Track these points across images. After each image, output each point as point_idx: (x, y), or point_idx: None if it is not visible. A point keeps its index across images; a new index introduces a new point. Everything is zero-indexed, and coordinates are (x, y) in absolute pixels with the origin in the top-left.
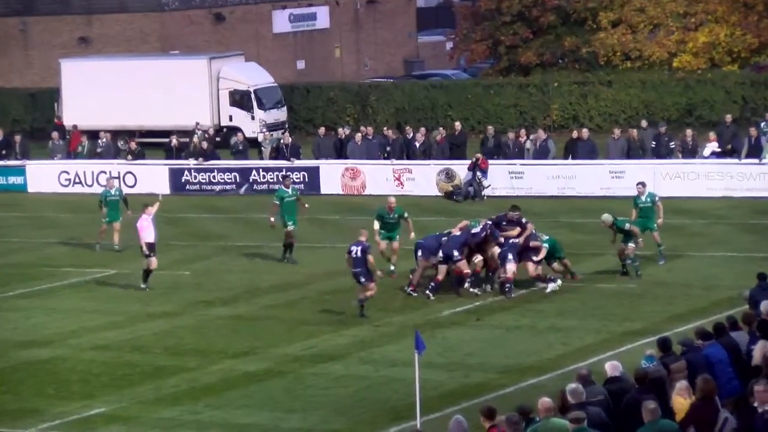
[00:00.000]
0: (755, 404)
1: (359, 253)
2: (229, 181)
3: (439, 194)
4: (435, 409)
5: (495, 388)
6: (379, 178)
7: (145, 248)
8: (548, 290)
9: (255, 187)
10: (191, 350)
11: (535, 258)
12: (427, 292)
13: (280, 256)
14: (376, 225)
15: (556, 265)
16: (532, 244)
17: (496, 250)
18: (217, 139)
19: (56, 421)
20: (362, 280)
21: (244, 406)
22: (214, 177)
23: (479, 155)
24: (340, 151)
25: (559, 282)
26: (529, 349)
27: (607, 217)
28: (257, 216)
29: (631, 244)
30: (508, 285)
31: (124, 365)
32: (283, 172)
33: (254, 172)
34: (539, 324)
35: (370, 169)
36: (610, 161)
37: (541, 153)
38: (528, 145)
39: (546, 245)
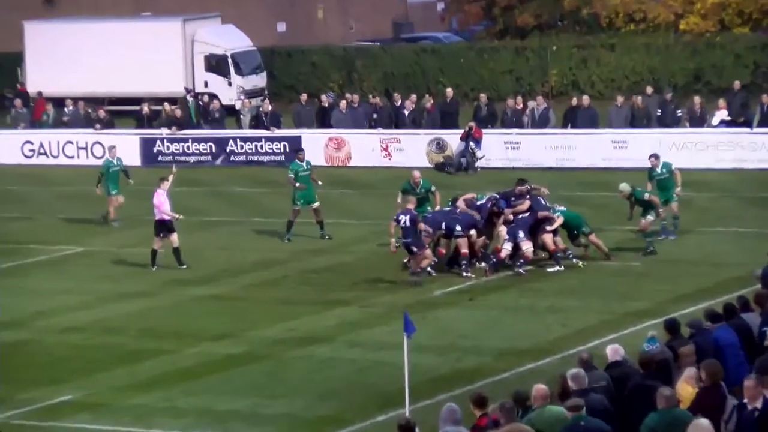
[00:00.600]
0: (744, 400)
1: (408, 222)
2: (205, 151)
3: (430, 166)
4: (426, 396)
5: (490, 373)
6: (365, 148)
7: (170, 218)
8: (549, 269)
9: (232, 158)
10: (166, 332)
11: (548, 227)
12: (464, 267)
13: (285, 234)
14: (399, 199)
15: (582, 240)
16: (541, 214)
17: (503, 229)
18: (200, 102)
19: (21, 409)
20: (415, 249)
21: (223, 392)
22: (188, 147)
23: (472, 124)
24: (323, 119)
25: (579, 264)
26: (526, 331)
27: (625, 186)
28: (235, 189)
29: (649, 217)
30: (521, 261)
31: (95, 349)
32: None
33: (231, 142)
34: (537, 304)
35: (356, 139)
36: (612, 131)
37: (540, 122)
38: (526, 113)
39: (560, 215)
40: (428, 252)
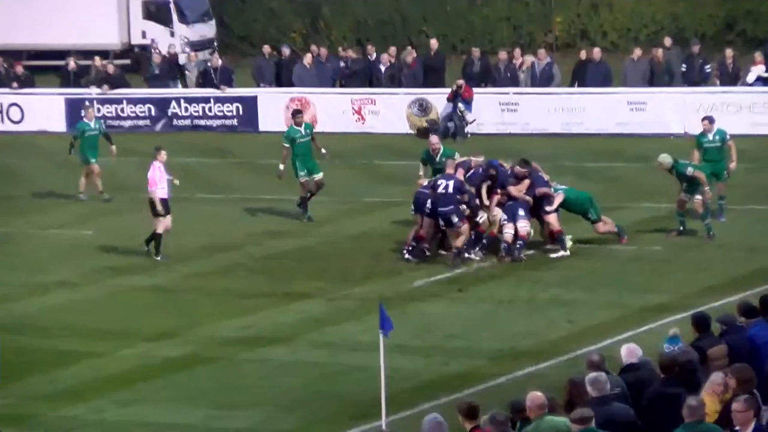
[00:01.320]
0: (736, 428)
1: (450, 189)
2: (143, 114)
3: (411, 132)
4: (406, 405)
5: (483, 379)
6: (334, 111)
7: (159, 206)
8: (552, 255)
9: (174, 122)
10: (96, 331)
11: (548, 207)
12: (406, 255)
13: (301, 214)
14: (421, 171)
15: (600, 225)
16: (539, 191)
17: (498, 212)
18: (127, 61)
19: None
20: (455, 220)
21: (163, 402)
22: (122, 110)
23: (461, 82)
24: (283, 77)
25: (570, 245)
26: (525, 328)
27: (665, 158)
28: (178, 159)
29: (699, 197)
30: (520, 243)
31: (11, 351)
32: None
33: (174, 103)
34: (538, 296)
35: (323, 99)
36: (628, 90)
37: (543, 79)
38: (523, 69)
39: (561, 193)
40: (466, 227)
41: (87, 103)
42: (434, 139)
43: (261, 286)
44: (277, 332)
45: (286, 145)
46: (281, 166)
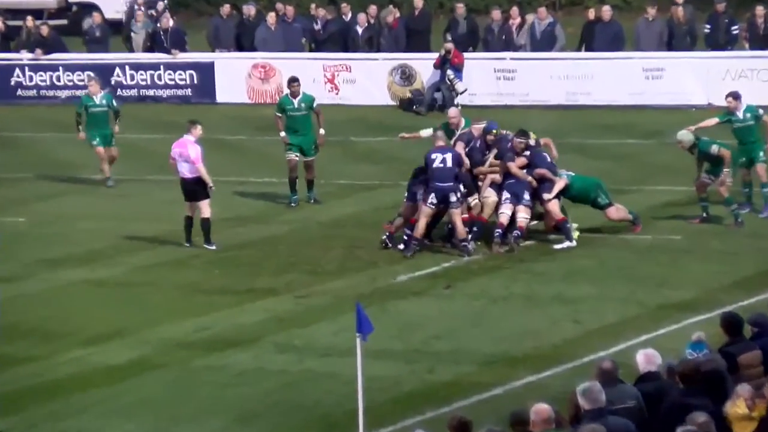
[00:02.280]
0: None
1: (449, 162)
2: (81, 83)
3: (393, 103)
4: (386, 420)
5: (474, 389)
6: (304, 79)
7: (211, 182)
8: (557, 246)
9: (119, 92)
10: (31, 331)
11: (546, 195)
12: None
13: (289, 199)
14: (424, 133)
15: (613, 210)
16: (538, 172)
17: (490, 193)
18: (64, 22)
19: None
20: (453, 199)
21: (106, 414)
22: (58, 78)
23: (450, 46)
24: (244, 40)
25: (576, 236)
26: (523, 329)
27: (685, 134)
28: (124, 135)
29: (728, 180)
30: (516, 233)
31: None
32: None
33: (118, 70)
34: (539, 293)
35: (290, 66)
36: (642, 54)
37: (543, 42)
38: (518, 29)
39: (565, 177)
40: (466, 206)
41: (90, 74)
42: (453, 111)
43: (219, 280)
44: (237, 334)
45: (279, 115)
46: (282, 134)
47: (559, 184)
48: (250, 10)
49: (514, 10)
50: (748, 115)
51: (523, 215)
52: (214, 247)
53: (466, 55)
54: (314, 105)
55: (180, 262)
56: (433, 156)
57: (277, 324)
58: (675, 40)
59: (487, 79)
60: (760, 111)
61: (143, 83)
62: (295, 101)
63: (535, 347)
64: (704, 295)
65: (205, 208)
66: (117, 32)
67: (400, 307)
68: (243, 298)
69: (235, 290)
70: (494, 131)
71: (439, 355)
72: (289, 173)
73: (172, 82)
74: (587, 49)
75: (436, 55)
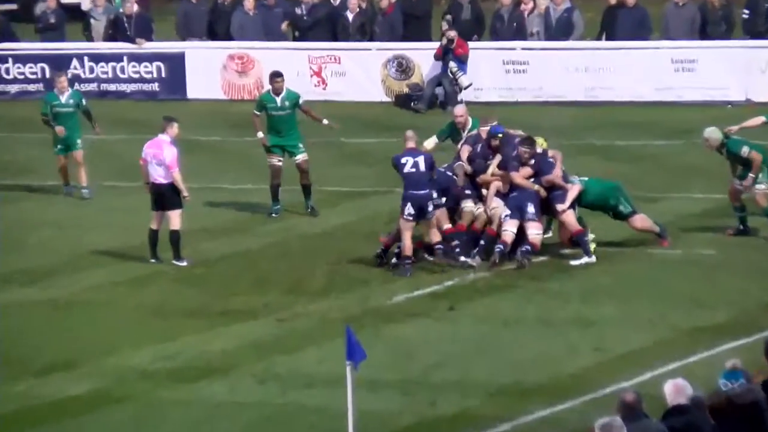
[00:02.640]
0: None
1: (423, 166)
2: (33, 77)
3: (388, 99)
4: None
5: (480, 424)
6: (286, 72)
7: (186, 191)
8: (575, 262)
9: (76, 86)
10: None
11: (560, 206)
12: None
13: (269, 209)
14: (432, 142)
15: (638, 219)
16: (547, 179)
17: (497, 204)
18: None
19: None
20: (431, 208)
21: None
22: (8, 70)
23: (453, 34)
24: (218, 27)
25: (593, 248)
26: (536, 356)
27: (712, 131)
28: (84, 136)
29: (760, 185)
30: (526, 248)
31: None
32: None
33: (75, 61)
34: (554, 315)
35: (271, 57)
36: (671, 43)
37: (559, 30)
38: (531, 15)
39: (579, 184)
40: (444, 214)
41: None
42: (460, 109)
43: (189, 301)
44: (209, 362)
45: (257, 113)
46: (259, 134)
47: (573, 192)
48: None
49: None
50: None
51: (534, 231)
52: (184, 264)
53: (471, 44)
54: (300, 102)
55: (143, 280)
56: (403, 160)
57: (256, 351)
58: (709, 27)
59: (496, 72)
60: None
61: (104, 76)
62: (278, 99)
63: (549, 377)
64: (742, 316)
65: (175, 219)
66: (74, 18)
67: (397, 331)
68: (215, 321)
69: (207, 312)
70: (499, 135)
71: (441, 386)
72: (271, 180)
73: (137, 76)
74: (609, 38)
75: (437, 44)
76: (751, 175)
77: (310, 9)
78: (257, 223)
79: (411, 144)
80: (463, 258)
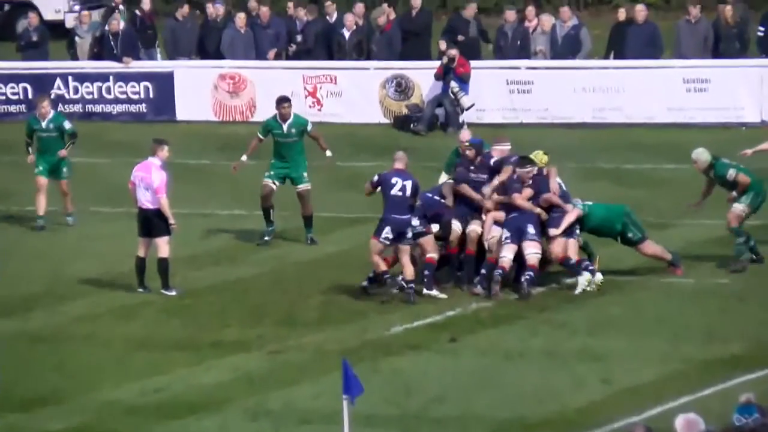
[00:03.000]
0: None
1: (408, 191)
2: (15, 97)
3: (386, 120)
4: None
5: None
6: (280, 92)
7: (172, 218)
8: (578, 290)
9: (60, 107)
10: None
11: (553, 230)
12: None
13: (261, 236)
14: (443, 178)
15: (648, 246)
16: (546, 198)
17: (496, 232)
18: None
19: None
20: (409, 235)
21: None
22: None
23: (454, 52)
24: (208, 45)
25: (599, 275)
26: (542, 391)
27: (701, 153)
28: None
29: (738, 205)
30: (529, 275)
31: None
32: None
33: (59, 81)
34: (560, 347)
35: (264, 76)
36: (683, 62)
37: (566, 48)
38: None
39: (580, 207)
40: (432, 242)
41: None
42: (466, 134)
43: (178, 332)
44: (199, 397)
45: (260, 137)
46: (243, 157)
47: (570, 216)
48: (217, 10)
49: (530, 11)
50: None
51: (532, 251)
52: (173, 293)
53: (473, 63)
54: (309, 129)
55: (129, 310)
56: (393, 180)
57: (248, 385)
58: (722, 44)
59: (499, 92)
60: None
61: (89, 97)
62: (285, 125)
63: (556, 411)
64: (757, 348)
65: (164, 247)
66: (57, 36)
67: (395, 363)
68: (205, 354)
69: (196, 344)
70: (473, 144)
71: (443, 421)
72: (261, 201)
73: (124, 96)
74: (617, 57)
75: (437, 63)
76: (734, 194)
77: (305, 28)
78: (249, 251)
79: (400, 165)
80: (428, 291)
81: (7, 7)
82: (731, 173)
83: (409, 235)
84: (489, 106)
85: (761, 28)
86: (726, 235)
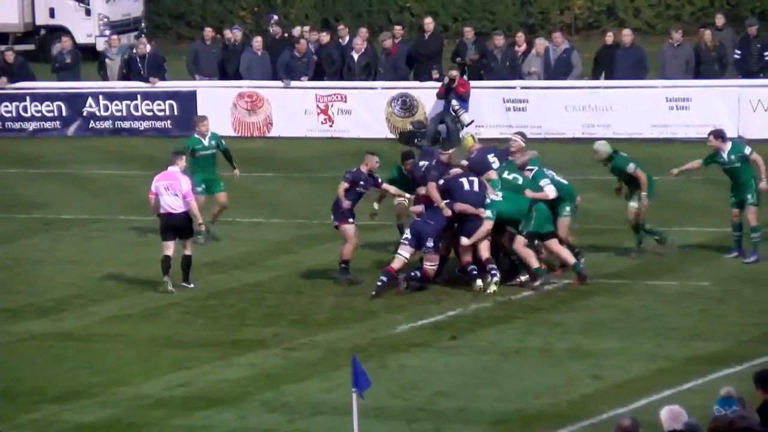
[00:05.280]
0: None
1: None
2: (50, 115)
3: (392, 136)
4: None
5: None
6: (294, 109)
7: (201, 218)
8: (489, 290)
9: (92, 124)
10: None
11: (465, 240)
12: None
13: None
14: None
15: (553, 243)
16: (459, 207)
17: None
18: (31, 47)
19: None
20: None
21: None
22: (25, 108)
23: (455, 73)
24: (228, 66)
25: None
26: (538, 386)
27: (602, 145)
28: (96, 171)
29: (632, 204)
30: (414, 273)
31: None
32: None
33: (91, 100)
34: (555, 346)
35: (279, 95)
36: (667, 82)
37: (558, 70)
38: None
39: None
40: (436, 257)
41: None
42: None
43: (201, 332)
44: (220, 391)
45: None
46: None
47: (483, 229)
48: (235, 34)
49: (520, 36)
50: (733, 156)
51: (429, 264)
52: (192, 286)
53: (474, 83)
54: None
55: (155, 312)
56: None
57: (265, 380)
58: (703, 66)
59: (496, 110)
60: (747, 150)
61: (118, 114)
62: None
63: (550, 404)
64: (736, 346)
65: (190, 246)
66: (89, 58)
67: (401, 360)
68: (226, 352)
69: (217, 343)
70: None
71: (445, 414)
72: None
73: (150, 113)
74: (607, 77)
75: (439, 83)
76: (643, 194)
77: (318, 50)
78: (267, 256)
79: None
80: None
81: (43, 32)
82: (631, 167)
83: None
84: (487, 123)
85: (738, 52)
86: (706, 242)
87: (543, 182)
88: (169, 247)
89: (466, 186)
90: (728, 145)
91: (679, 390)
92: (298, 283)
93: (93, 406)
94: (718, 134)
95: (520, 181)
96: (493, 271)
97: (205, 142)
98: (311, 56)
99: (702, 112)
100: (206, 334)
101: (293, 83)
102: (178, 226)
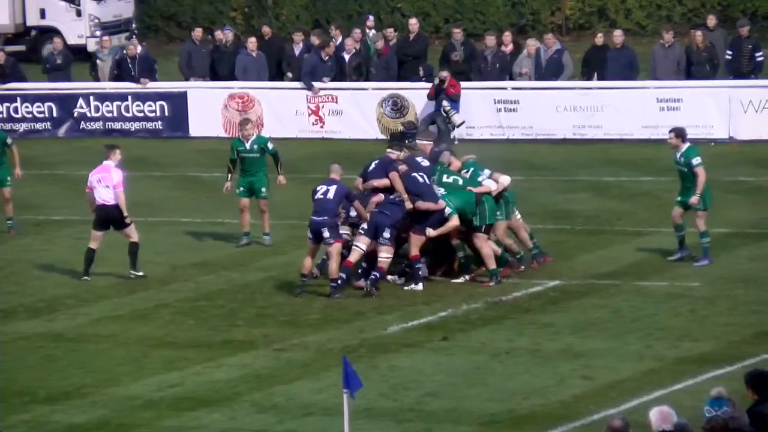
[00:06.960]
0: None
1: (331, 195)
2: (41, 115)
3: (383, 137)
4: None
5: None
6: (285, 111)
7: (126, 214)
8: (406, 288)
9: (83, 124)
10: None
11: (431, 230)
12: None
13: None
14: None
15: (481, 241)
16: (419, 206)
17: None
18: (22, 48)
19: None
20: (326, 234)
21: None
22: (15, 110)
23: (445, 74)
24: (219, 67)
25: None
26: (528, 387)
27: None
28: (86, 173)
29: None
30: (374, 275)
31: None
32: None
33: (81, 101)
34: (546, 346)
35: (270, 96)
36: (658, 83)
37: (549, 70)
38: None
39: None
40: (339, 246)
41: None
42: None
43: (190, 332)
44: (210, 392)
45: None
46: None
47: (448, 225)
48: (226, 35)
49: (507, 36)
50: (683, 160)
51: (384, 255)
52: (140, 273)
53: (464, 84)
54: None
55: (145, 312)
56: (318, 188)
57: (255, 380)
58: (694, 67)
59: (487, 111)
60: (696, 160)
61: (109, 115)
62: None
63: (540, 405)
64: (726, 347)
65: (132, 233)
66: (80, 59)
67: (392, 361)
68: (216, 353)
69: (208, 343)
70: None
71: (436, 414)
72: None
73: (141, 114)
74: (598, 78)
75: (429, 84)
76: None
77: (310, 51)
78: (257, 257)
79: (334, 175)
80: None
81: (33, 33)
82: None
83: (326, 234)
84: (478, 124)
85: (729, 52)
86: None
87: (481, 178)
88: (97, 239)
89: (420, 180)
90: (684, 147)
91: (668, 391)
92: (288, 284)
93: (84, 406)
94: (679, 133)
95: (461, 181)
96: (418, 266)
97: (247, 146)
98: (334, 59)
99: (693, 113)
100: (197, 335)
101: (282, 83)
102: (110, 218)
